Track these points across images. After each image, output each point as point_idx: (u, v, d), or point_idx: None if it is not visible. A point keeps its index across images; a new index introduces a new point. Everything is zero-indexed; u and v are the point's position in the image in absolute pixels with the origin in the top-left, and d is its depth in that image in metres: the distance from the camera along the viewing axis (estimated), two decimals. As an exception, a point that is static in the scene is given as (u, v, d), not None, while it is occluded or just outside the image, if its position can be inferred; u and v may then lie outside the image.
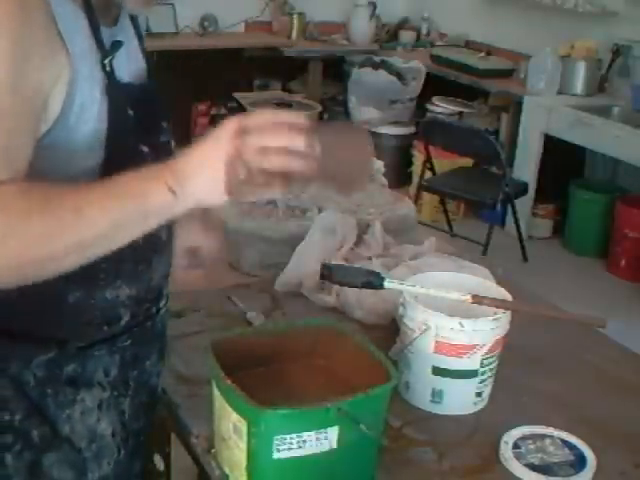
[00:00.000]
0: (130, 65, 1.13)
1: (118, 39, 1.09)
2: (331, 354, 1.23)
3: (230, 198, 0.96)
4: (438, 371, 1.33)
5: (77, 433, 1.16)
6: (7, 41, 0.92)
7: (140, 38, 1.21)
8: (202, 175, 0.95)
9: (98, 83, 1.03)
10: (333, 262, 1.58)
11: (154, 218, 0.98)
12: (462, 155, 4.50)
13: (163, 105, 1.20)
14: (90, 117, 1.02)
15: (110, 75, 1.05)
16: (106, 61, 1.04)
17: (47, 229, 0.92)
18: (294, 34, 5.74)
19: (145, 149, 1.10)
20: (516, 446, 1.25)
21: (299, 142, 0.95)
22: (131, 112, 1.08)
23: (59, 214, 0.93)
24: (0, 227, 0.90)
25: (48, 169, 1.00)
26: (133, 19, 1.19)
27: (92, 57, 1.03)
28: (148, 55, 1.21)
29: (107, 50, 1.05)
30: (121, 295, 1.14)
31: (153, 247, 1.16)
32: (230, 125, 0.96)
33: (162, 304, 1.26)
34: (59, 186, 0.94)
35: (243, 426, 1.06)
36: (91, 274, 1.08)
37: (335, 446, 1.08)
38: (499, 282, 1.49)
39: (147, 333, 1.23)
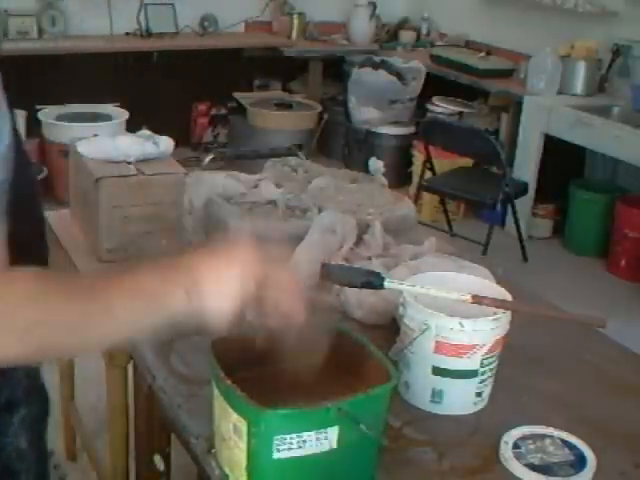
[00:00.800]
0: None
1: None
2: (331, 354, 1.23)
3: (232, 321, 0.95)
4: (438, 371, 1.33)
5: (13, 459, 1.15)
6: None
7: None
8: (216, 289, 0.94)
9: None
10: (333, 262, 1.58)
11: (167, 319, 0.95)
12: (462, 155, 4.50)
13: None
14: (6, 131, 0.95)
15: None
16: None
17: (74, 324, 0.88)
18: (294, 34, 5.74)
19: (27, 149, 1.08)
20: (516, 446, 1.25)
21: (300, 318, 0.99)
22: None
23: (88, 310, 0.89)
24: (27, 318, 0.85)
25: None
26: None
27: None
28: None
29: None
30: None
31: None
32: (247, 254, 0.97)
33: None
34: (74, 276, 0.92)
35: (243, 426, 1.06)
36: None
37: (335, 446, 1.08)
38: (499, 282, 1.49)
39: None
